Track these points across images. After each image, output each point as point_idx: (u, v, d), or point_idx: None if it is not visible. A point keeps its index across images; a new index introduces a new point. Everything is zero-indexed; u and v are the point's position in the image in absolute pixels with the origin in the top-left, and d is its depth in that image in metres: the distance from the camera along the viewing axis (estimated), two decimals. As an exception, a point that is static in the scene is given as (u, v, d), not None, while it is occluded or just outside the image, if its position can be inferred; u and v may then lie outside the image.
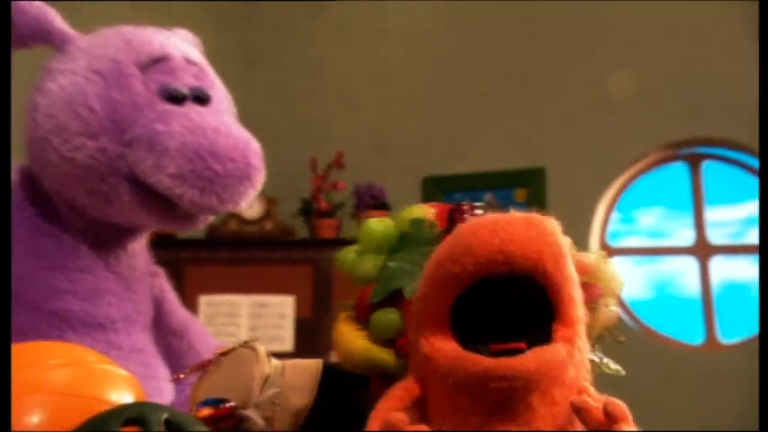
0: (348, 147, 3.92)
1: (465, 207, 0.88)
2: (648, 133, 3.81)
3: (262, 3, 4.34)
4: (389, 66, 4.18)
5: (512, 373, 0.67)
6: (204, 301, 3.32)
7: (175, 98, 1.11)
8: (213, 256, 3.49)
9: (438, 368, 0.68)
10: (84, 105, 1.08)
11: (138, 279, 1.26)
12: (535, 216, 0.77)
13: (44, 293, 1.14)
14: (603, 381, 3.02)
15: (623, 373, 0.93)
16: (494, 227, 0.70)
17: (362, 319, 0.86)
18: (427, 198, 3.98)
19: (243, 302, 3.34)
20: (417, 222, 0.87)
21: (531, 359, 0.69)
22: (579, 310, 0.75)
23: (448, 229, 0.84)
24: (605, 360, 0.92)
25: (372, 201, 3.78)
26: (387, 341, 0.84)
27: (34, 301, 1.13)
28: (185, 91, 1.12)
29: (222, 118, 1.10)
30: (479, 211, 0.89)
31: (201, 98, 1.14)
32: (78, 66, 1.12)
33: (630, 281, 3.97)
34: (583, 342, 0.76)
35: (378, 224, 0.89)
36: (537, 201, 3.88)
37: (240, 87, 1.42)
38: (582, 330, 0.76)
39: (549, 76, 3.98)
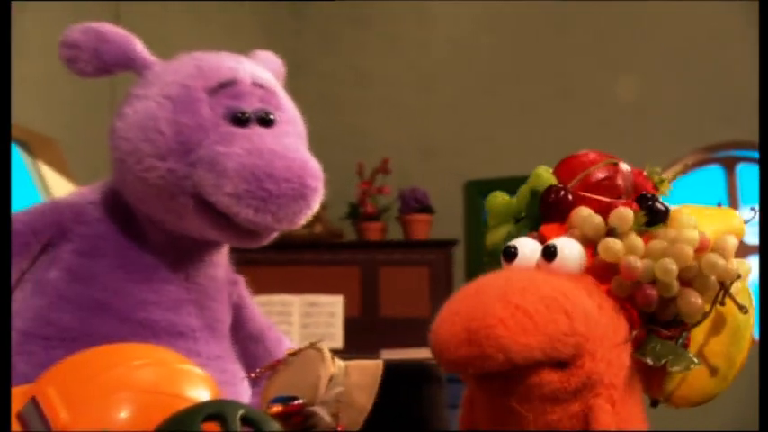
0: (393, 153, 3.95)
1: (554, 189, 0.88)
2: (685, 137, 3.80)
3: (310, 16, 4.38)
4: (433, 75, 4.19)
5: None
6: (257, 300, 3.37)
7: (240, 120, 1.11)
8: (266, 257, 3.52)
9: None
10: (155, 129, 1.10)
11: (218, 288, 1.27)
12: None
13: (131, 304, 1.16)
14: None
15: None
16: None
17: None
18: (469, 201, 4.05)
19: (294, 302, 3.38)
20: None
21: None
22: None
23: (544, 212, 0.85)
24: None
25: (417, 204, 3.81)
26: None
27: (122, 311, 1.15)
28: (250, 113, 1.12)
29: (283, 140, 1.10)
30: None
31: (266, 120, 1.14)
32: (152, 91, 1.13)
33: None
34: None
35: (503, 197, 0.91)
36: (576, 203, 3.88)
37: (289, 97, 1.42)
38: None
39: (588, 82, 3.98)
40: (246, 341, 1.33)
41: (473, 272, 3.97)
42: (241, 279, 1.36)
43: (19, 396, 0.87)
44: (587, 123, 3.94)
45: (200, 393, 0.88)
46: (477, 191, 4.02)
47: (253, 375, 1.08)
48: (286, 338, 1.41)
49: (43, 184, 3.71)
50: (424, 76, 4.21)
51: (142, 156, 1.10)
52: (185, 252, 1.20)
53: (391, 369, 0.95)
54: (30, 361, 1.08)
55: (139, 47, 1.19)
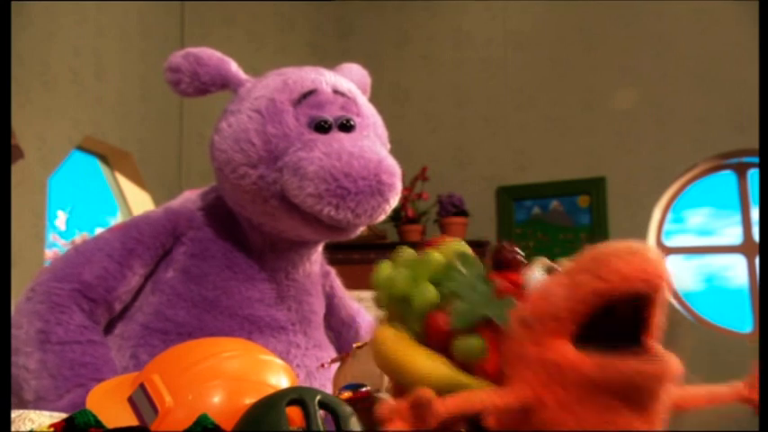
0: (431, 162, 3.97)
1: (507, 247, 0.82)
2: (700, 145, 3.77)
3: (355, 38, 4.44)
4: (467, 91, 4.21)
5: (663, 373, 0.65)
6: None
7: (322, 127, 1.10)
8: (318, 257, 3.59)
9: (575, 373, 0.63)
10: (246, 140, 1.10)
11: (313, 283, 1.27)
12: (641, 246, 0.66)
13: (238, 302, 1.16)
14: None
15: None
16: (629, 251, 0.63)
17: (438, 344, 0.75)
18: (501, 205, 4.06)
19: (344, 297, 3.41)
20: (464, 256, 0.80)
21: (674, 361, 0.66)
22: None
23: (495, 267, 0.78)
24: None
25: (453, 208, 3.82)
26: (464, 366, 0.73)
27: (230, 308, 1.16)
28: (331, 120, 1.12)
29: (361, 142, 1.08)
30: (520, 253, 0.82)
31: (346, 126, 1.13)
32: (243, 106, 1.14)
33: (683, 275, 3.93)
34: None
35: (434, 253, 0.81)
36: (599, 207, 3.88)
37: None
38: None
39: (609, 95, 3.96)
40: (339, 327, 1.34)
41: None
42: (332, 270, 1.36)
43: (128, 382, 0.92)
44: (609, 133, 3.93)
45: (281, 381, 0.91)
46: (507, 196, 4.04)
47: (324, 365, 1.11)
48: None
49: (120, 193, 3.79)
50: (459, 92, 4.22)
51: (236, 165, 1.11)
52: (283, 252, 1.21)
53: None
54: (152, 353, 1.10)
55: (234, 67, 1.21)
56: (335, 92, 1.16)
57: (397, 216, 3.83)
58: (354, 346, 1.00)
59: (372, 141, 1.12)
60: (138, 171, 3.70)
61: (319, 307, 1.28)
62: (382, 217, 1.09)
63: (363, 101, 1.21)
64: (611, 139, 3.92)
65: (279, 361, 0.95)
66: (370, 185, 1.03)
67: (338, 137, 1.09)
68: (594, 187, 3.89)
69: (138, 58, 3.70)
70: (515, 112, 4.10)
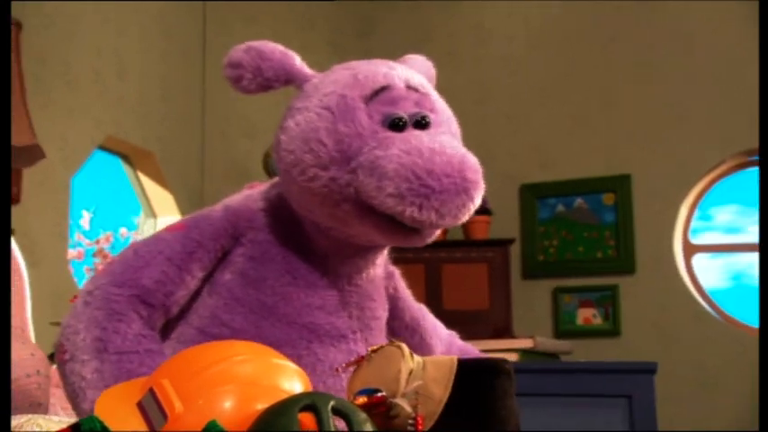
0: None
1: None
2: (726, 141, 3.71)
3: (376, 37, 4.40)
4: (489, 88, 4.17)
5: None
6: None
7: (397, 125, 1.03)
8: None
9: None
10: (316, 140, 1.03)
11: (376, 287, 1.21)
12: None
13: (297, 309, 1.11)
14: (690, 366, 2.98)
15: None
16: None
17: None
18: (523, 203, 4.02)
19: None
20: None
21: None
22: None
23: None
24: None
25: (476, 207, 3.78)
26: None
27: (289, 315, 1.10)
28: (406, 118, 1.04)
29: (439, 138, 1.01)
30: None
31: (421, 122, 1.05)
32: (311, 103, 1.06)
33: (709, 273, 3.89)
34: None
35: None
36: (624, 204, 3.84)
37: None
38: None
39: (633, 91, 3.91)
40: (403, 331, 1.27)
41: (528, 269, 3.99)
42: (396, 271, 1.29)
43: (138, 387, 0.90)
44: (634, 130, 3.89)
45: (295, 386, 0.89)
46: (530, 194, 4.00)
47: (339, 370, 1.07)
48: (440, 325, 1.34)
49: (142, 192, 3.81)
50: (481, 90, 4.19)
51: (305, 166, 1.04)
52: (348, 257, 1.15)
53: (464, 364, 0.95)
54: None
55: (298, 62, 1.14)
56: (409, 87, 1.09)
57: (419, 215, 3.79)
58: (369, 349, 0.97)
59: (450, 137, 1.07)
60: (161, 170, 3.70)
61: (382, 312, 1.22)
62: (466, 217, 1.01)
63: (437, 96, 1.15)
64: (637, 135, 3.87)
65: (292, 365, 0.93)
66: (455, 183, 0.96)
67: (416, 134, 1.03)
68: (620, 184, 3.85)
69: (160, 57, 3.70)
70: (538, 109, 4.06)
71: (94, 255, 4.85)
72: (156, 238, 1.13)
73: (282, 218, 1.15)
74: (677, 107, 3.80)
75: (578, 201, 3.91)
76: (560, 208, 3.95)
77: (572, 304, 3.85)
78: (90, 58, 3.30)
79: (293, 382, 0.90)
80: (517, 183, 4.02)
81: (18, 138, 2.30)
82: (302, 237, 1.14)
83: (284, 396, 0.83)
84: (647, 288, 3.75)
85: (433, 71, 1.29)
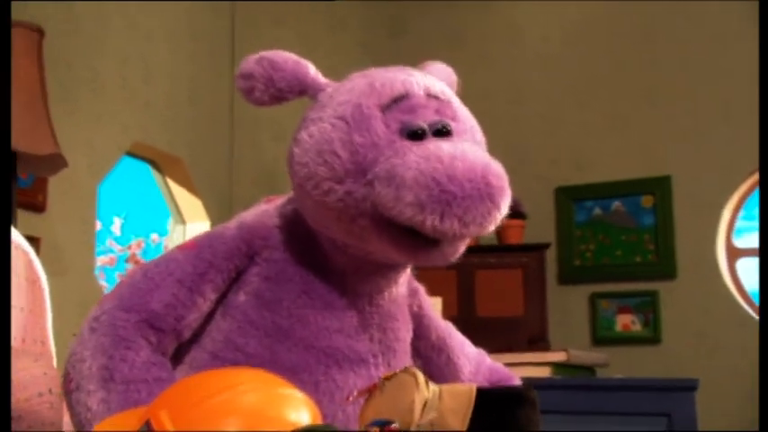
0: None
1: None
2: (771, 141, 3.61)
3: (408, 38, 4.38)
4: (523, 89, 4.13)
5: None
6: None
7: (416, 134, 0.99)
8: (369, 262, 3.54)
9: None
10: (330, 152, 0.98)
11: (399, 306, 1.15)
12: None
13: (314, 332, 1.06)
14: (734, 375, 2.87)
15: None
16: None
17: None
18: (559, 207, 3.96)
19: (396, 303, 3.35)
20: None
21: None
22: None
23: None
24: None
25: (510, 210, 3.71)
26: None
27: (306, 339, 1.05)
28: (425, 126, 1.00)
29: (461, 145, 0.96)
30: None
31: (442, 131, 1.01)
32: (325, 113, 1.02)
33: (754, 277, 3.80)
34: None
35: None
36: (663, 207, 3.76)
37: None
38: None
39: (673, 90, 3.84)
40: (429, 352, 1.22)
41: (564, 274, 3.92)
42: (420, 288, 1.23)
43: (135, 418, 0.86)
44: (674, 130, 3.81)
45: (302, 416, 0.85)
46: (567, 196, 3.95)
47: (350, 398, 1.02)
48: (468, 343, 1.28)
49: (171, 199, 3.81)
50: (515, 90, 4.14)
51: (320, 180, 0.99)
52: (368, 276, 1.09)
53: (484, 393, 0.89)
54: None
55: (312, 71, 1.09)
56: (429, 95, 1.04)
57: (451, 219, 3.74)
58: (382, 377, 0.92)
59: (472, 145, 1.00)
60: (189, 176, 3.70)
61: (405, 333, 1.17)
62: (492, 227, 0.95)
63: (458, 103, 1.08)
64: (676, 135, 3.79)
65: (300, 395, 0.89)
66: (478, 188, 0.90)
67: (435, 142, 0.97)
68: (659, 186, 3.78)
69: (188, 60, 3.70)
70: (574, 109, 4.00)
71: (127, 261, 4.87)
72: (167, 259, 1.09)
73: (298, 235, 1.10)
74: (719, 105, 3.72)
75: (616, 203, 3.85)
76: (597, 211, 3.89)
77: (610, 310, 3.79)
78: (116, 63, 3.31)
79: (300, 412, 0.85)
80: (553, 185, 3.98)
81: (40, 146, 2.30)
82: (319, 255, 1.09)
83: (291, 428, 0.79)
84: (688, 293, 3.67)
85: (454, 78, 1.22)
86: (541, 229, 3.87)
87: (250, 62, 1.08)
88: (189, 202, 3.77)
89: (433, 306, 3.40)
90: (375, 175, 0.96)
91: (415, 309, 1.20)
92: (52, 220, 2.90)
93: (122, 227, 4.66)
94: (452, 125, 1.02)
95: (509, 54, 4.19)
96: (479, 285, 3.56)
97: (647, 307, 3.73)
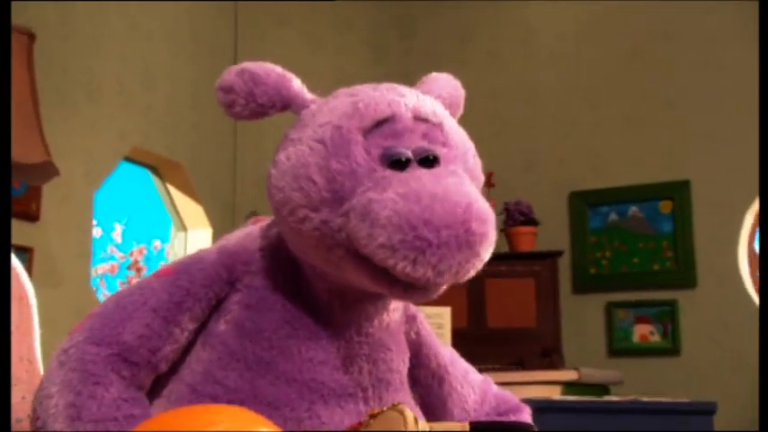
0: (497, 166, 3.78)
1: None
2: (796, 143, 3.53)
3: (417, 37, 4.33)
4: (535, 89, 4.07)
5: None
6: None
7: (398, 163, 0.93)
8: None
9: None
10: (306, 177, 0.94)
11: (392, 335, 1.10)
12: None
13: (298, 365, 1.01)
14: (752, 381, 2.77)
15: None
16: None
17: None
18: (575, 212, 3.90)
19: (404, 314, 3.29)
20: None
21: None
22: None
23: None
24: None
25: (521, 216, 3.68)
26: None
27: (288, 372, 1.01)
28: (409, 154, 0.95)
29: (446, 180, 0.91)
30: None
31: (428, 160, 0.95)
32: (305, 134, 0.98)
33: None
34: None
35: None
36: (683, 212, 3.69)
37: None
38: None
39: (692, 91, 3.76)
40: (429, 381, 1.16)
41: (579, 282, 3.85)
42: (418, 313, 1.17)
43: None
44: (693, 132, 3.73)
45: (279, 458, 0.79)
46: (581, 201, 3.89)
47: None
48: (472, 370, 1.23)
49: (172, 205, 3.77)
50: (527, 91, 4.08)
51: (295, 206, 0.95)
52: (355, 303, 1.05)
53: (478, 430, 0.83)
54: None
55: (296, 86, 1.05)
56: (417, 117, 0.98)
57: (461, 225, 3.69)
58: (368, 414, 0.86)
59: (460, 179, 0.94)
60: (190, 182, 3.65)
61: (400, 363, 1.11)
62: (471, 274, 0.90)
63: (452, 126, 1.02)
64: (696, 138, 3.72)
65: None
66: (456, 236, 0.85)
67: (418, 174, 0.92)
68: (678, 191, 3.71)
69: (189, 62, 3.65)
70: (588, 110, 3.94)
71: (129, 267, 4.83)
72: (142, 287, 1.04)
73: (281, 260, 1.05)
74: (741, 106, 3.63)
75: (633, 209, 3.79)
76: (613, 217, 3.83)
77: (627, 320, 3.73)
78: (114, 66, 3.26)
79: (277, 454, 0.80)
80: (566, 190, 3.92)
81: (30, 155, 2.25)
82: (303, 281, 1.04)
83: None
84: (709, 303, 3.60)
85: (459, 92, 1.16)
86: (555, 235, 3.81)
87: (231, 74, 1.04)
88: (190, 209, 3.73)
89: (440, 315, 3.28)
90: (351, 207, 0.91)
91: (413, 336, 1.14)
92: (46, 229, 2.86)
93: (123, 233, 4.63)
94: (441, 152, 0.96)
95: (521, 53, 4.14)
96: (490, 295, 3.50)
97: (666, 317, 3.66)
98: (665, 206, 3.74)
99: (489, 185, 3.69)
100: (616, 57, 3.93)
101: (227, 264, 1.05)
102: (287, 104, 1.04)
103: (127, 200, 4.34)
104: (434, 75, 1.15)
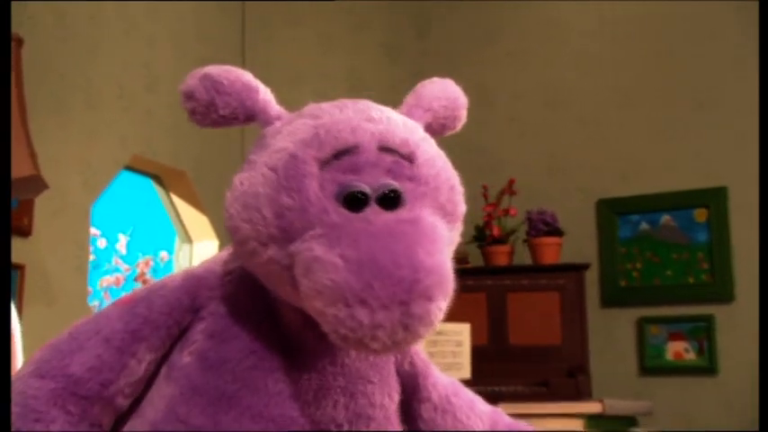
0: (519, 172, 3.75)
1: None
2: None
3: (434, 36, 4.27)
4: (561, 89, 3.99)
5: None
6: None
7: (355, 200, 0.88)
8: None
9: None
10: (255, 208, 0.90)
11: (375, 366, 1.04)
12: None
13: (264, 399, 0.96)
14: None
15: None
16: None
17: None
18: (602, 221, 3.81)
19: (420, 331, 3.21)
20: None
21: None
22: None
23: None
24: None
25: (545, 226, 3.58)
26: None
27: (254, 407, 0.96)
28: (368, 191, 0.89)
29: (399, 234, 0.86)
30: None
31: (388, 198, 0.90)
32: (261, 158, 0.93)
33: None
34: None
35: None
36: (719, 221, 3.59)
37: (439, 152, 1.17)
38: None
39: (730, 91, 3.64)
40: (431, 414, 1.12)
41: (608, 296, 3.74)
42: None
43: None
44: (730, 136, 3.62)
45: None
46: (610, 210, 3.80)
47: None
48: (479, 400, 1.19)
49: (176, 215, 3.70)
50: (551, 92, 4.00)
51: (243, 237, 0.91)
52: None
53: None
54: None
55: (261, 98, 1.00)
56: (383, 148, 0.93)
57: (481, 236, 3.58)
58: None
59: (421, 227, 0.88)
60: (195, 192, 3.57)
61: (385, 397, 1.05)
62: (414, 345, 0.89)
63: (426, 156, 0.96)
64: (733, 141, 3.60)
65: None
66: (391, 319, 0.82)
67: (373, 222, 0.87)
68: (714, 198, 3.61)
69: (193, 64, 3.53)
70: (617, 112, 3.85)
71: (136, 279, 4.76)
72: (98, 316, 1.01)
73: (249, 284, 0.99)
74: (781, 107, 3.51)
75: (665, 217, 3.71)
76: (644, 226, 3.75)
77: (660, 337, 3.65)
78: (114, 70, 3.18)
79: None
80: (594, 197, 3.84)
81: (17, 168, 2.17)
82: (270, 307, 0.99)
83: None
84: (747, 318, 3.48)
85: (459, 102, 1.10)
86: (581, 246, 3.74)
87: (193, 79, 1.00)
88: (195, 220, 3.65)
89: (458, 332, 3.16)
90: (297, 252, 0.87)
91: (406, 367, 1.10)
92: (39, 244, 2.78)
93: (128, 244, 4.55)
94: (406, 188, 0.91)
95: (544, 52, 4.06)
96: (512, 310, 3.41)
97: (702, 333, 3.57)
98: (700, 214, 3.65)
99: (511, 193, 3.62)
100: (646, 55, 3.83)
101: (191, 289, 1.01)
102: (251, 117, 1.00)
103: (131, 209, 4.27)
104: (429, 82, 1.10)
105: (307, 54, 4.07)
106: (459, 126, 1.11)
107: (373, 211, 0.87)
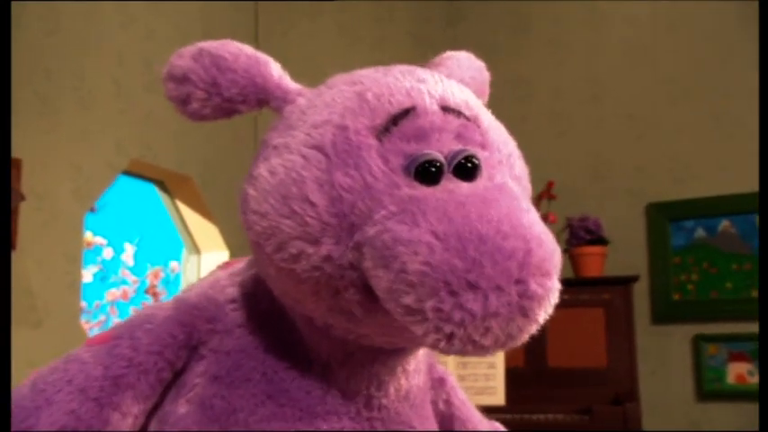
0: (559, 174, 3.67)
1: None
2: None
3: (465, 24, 4.24)
4: (604, 82, 3.94)
5: None
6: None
7: (428, 174, 0.77)
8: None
9: None
10: (301, 198, 0.78)
11: (414, 405, 0.94)
12: None
13: None
14: None
15: None
16: None
17: None
18: (653, 228, 3.71)
19: (448, 352, 3.09)
20: None
21: None
22: None
23: None
24: None
25: (588, 234, 3.48)
26: None
27: None
28: (441, 160, 0.78)
29: (497, 204, 0.74)
30: None
31: (466, 168, 0.79)
32: (294, 139, 0.81)
33: None
34: None
35: None
36: (784, 227, 3.41)
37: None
38: None
39: (795, 81, 3.47)
40: None
41: (659, 312, 3.57)
42: (449, 376, 1.05)
43: None
44: (797, 132, 3.44)
45: None
46: (661, 215, 3.72)
47: None
48: None
49: (181, 222, 3.59)
50: (596, 86, 3.94)
51: (284, 239, 0.78)
52: (364, 366, 0.88)
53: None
54: None
55: (276, 72, 0.87)
56: (446, 109, 0.81)
57: (516, 245, 3.43)
58: None
59: (515, 199, 0.75)
60: (202, 198, 3.45)
61: None
62: (518, 344, 0.75)
63: (490, 121, 0.86)
64: (800, 138, 3.43)
65: None
66: (508, 303, 0.69)
67: (458, 194, 0.74)
68: (778, 202, 3.45)
69: (200, 62, 3.45)
70: (668, 108, 3.77)
71: (146, 291, 4.67)
72: (68, 360, 0.87)
73: (261, 313, 0.89)
74: None
75: (724, 223, 3.63)
76: (700, 233, 3.68)
77: (720, 357, 3.56)
78: (109, 66, 3.07)
79: None
80: (644, 202, 3.77)
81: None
82: (291, 340, 0.88)
83: None
84: (819, 337, 3.27)
85: (484, 75, 1.01)
86: (629, 256, 3.68)
87: (184, 58, 0.87)
88: (203, 228, 3.53)
89: (495, 359, 2.97)
90: (368, 240, 0.74)
91: (441, 406, 1.03)
92: (24, 259, 2.65)
93: (135, 255, 4.46)
94: (481, 156, 0.80)
95: (587, 42, 3.99)
96: (551, 329, 3.14)
97: (766, 354, 3.39)
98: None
99: (550, 197, 3.54)
100: (701, 45, 3.77)
101: (185, 321, 0.89)
102: (263, 98, 0.86)
103: (138, 217, 4.18)
104: (450, 54, 0.99)
105: (327, 49, 3.96)
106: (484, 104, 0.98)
107: (452, 183, 0.76)
